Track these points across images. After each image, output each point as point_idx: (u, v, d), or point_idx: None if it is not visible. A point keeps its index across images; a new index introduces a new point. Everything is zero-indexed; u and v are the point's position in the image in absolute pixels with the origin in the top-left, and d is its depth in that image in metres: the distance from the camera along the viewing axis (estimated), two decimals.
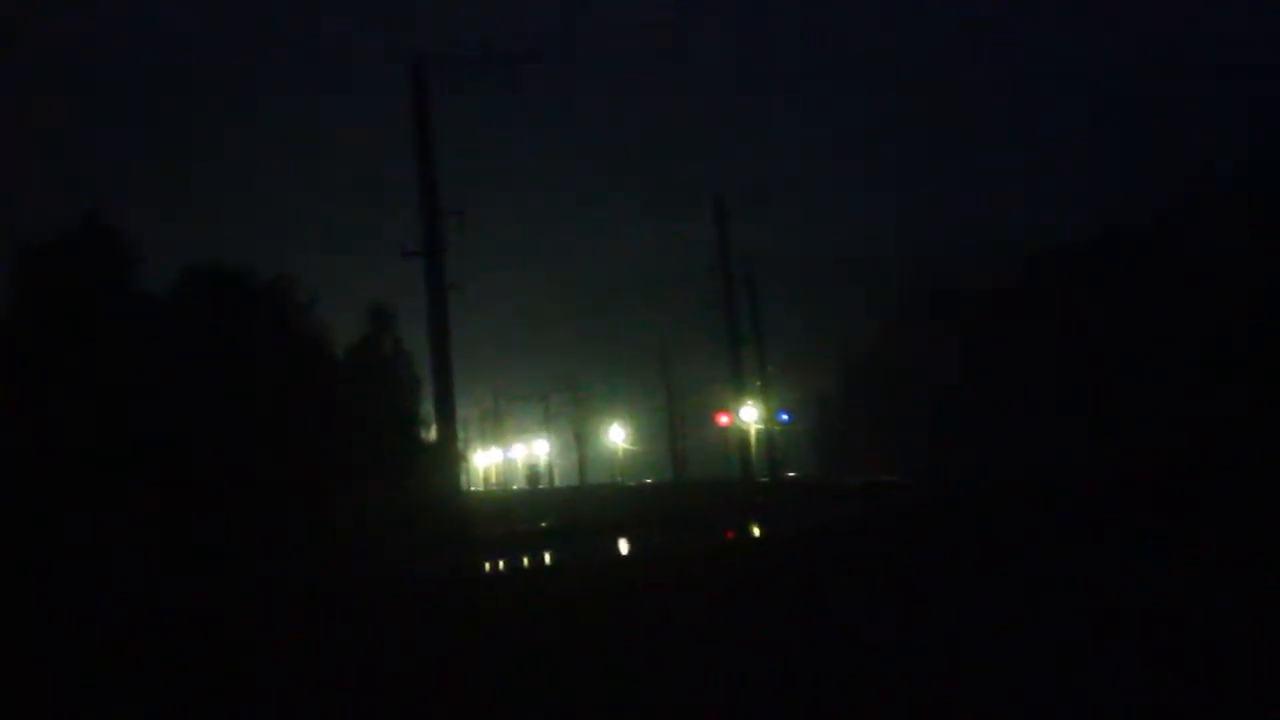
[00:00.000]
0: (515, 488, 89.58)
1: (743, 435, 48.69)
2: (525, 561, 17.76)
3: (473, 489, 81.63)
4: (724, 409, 51.97)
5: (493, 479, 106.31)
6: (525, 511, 32.53)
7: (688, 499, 34.57)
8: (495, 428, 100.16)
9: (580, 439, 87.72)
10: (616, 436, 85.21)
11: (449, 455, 27.54)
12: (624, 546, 19.29)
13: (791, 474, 55.11)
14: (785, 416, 55.36)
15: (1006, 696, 6.10)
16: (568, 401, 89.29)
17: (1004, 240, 58.04)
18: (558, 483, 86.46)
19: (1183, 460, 25.80)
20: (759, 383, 49.86)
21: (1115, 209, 48.65)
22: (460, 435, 34.52)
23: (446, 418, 26.79)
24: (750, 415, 48.85)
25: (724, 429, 56.29)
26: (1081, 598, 8.91)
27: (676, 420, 71.57)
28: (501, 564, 17.65)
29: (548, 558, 18.31)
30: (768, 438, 50.30)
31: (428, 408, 30.69)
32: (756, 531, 21.60)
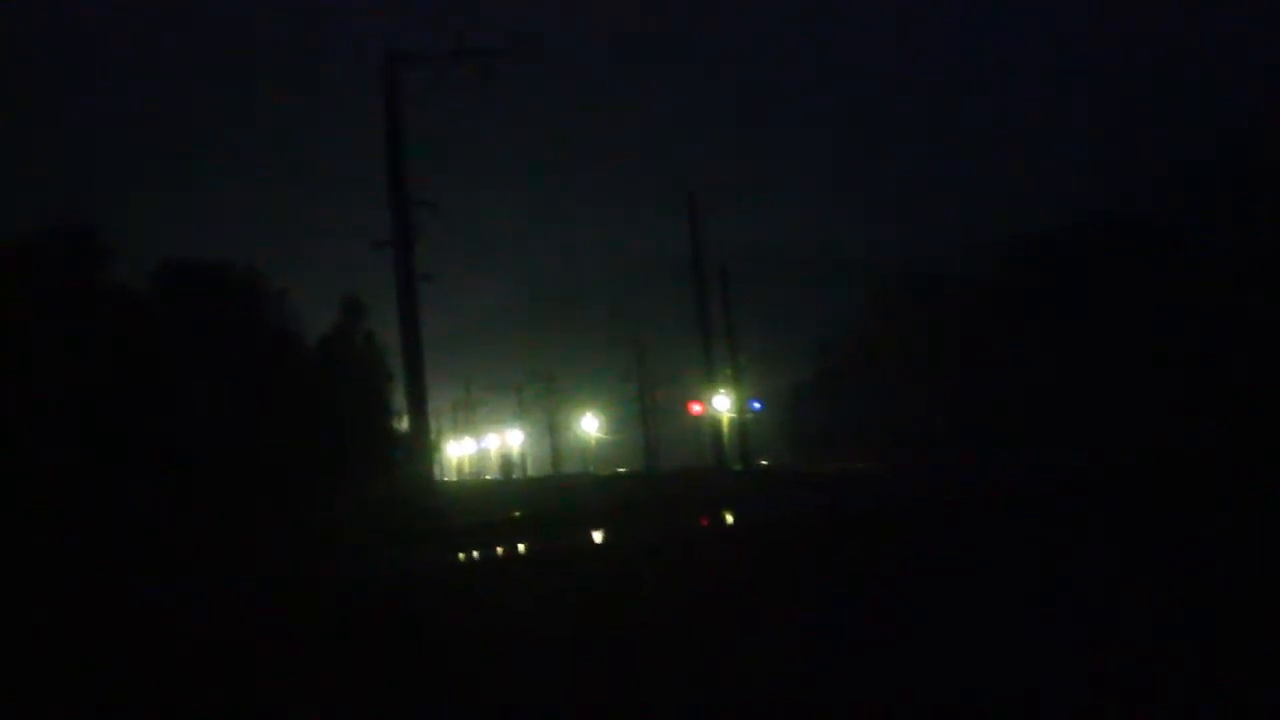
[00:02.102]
0: (488, 478, 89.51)
1: (715, 424, 48.87)
2: (499, 552, 17.84)
3: (445, 479, 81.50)
4: (697, 398, 52.17)
5: (466, 469, 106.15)
6: (498, 502, 32.57)
7: (661, 488, 34.67)
8: (468, 418, 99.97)
9: (554, 429, 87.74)
10: (590, 426, 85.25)
11: (421, 445, 27.54)
12: (598, 536, 19.40)
13: (764, 462, 55.37)
14: (757, 405, 55.64)
15: (985, 693, 6.18)
16: (541, 391, 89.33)
17: (981, 230, 58.52)
18: (531, 472, 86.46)
19: (1169, 456, 25.99)
20: (731, 372, 50.04)
21: (1094, 197, 49.14)
22: (433, 426, 34.50)
23: (418, 408, 26.79)
24: (723, 404, 49.03)
25: (697, 418, 56.48)
26: (1063, 599, 9.04)
27: (650, 409, 71.69)
28: (475, 555, 17.73)
29: (521, 548, 18.39)
30: (740, 426, 50.51)
31: (400, 398, 30.71)
32: (730, 519, 21.75)
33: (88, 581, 14.71)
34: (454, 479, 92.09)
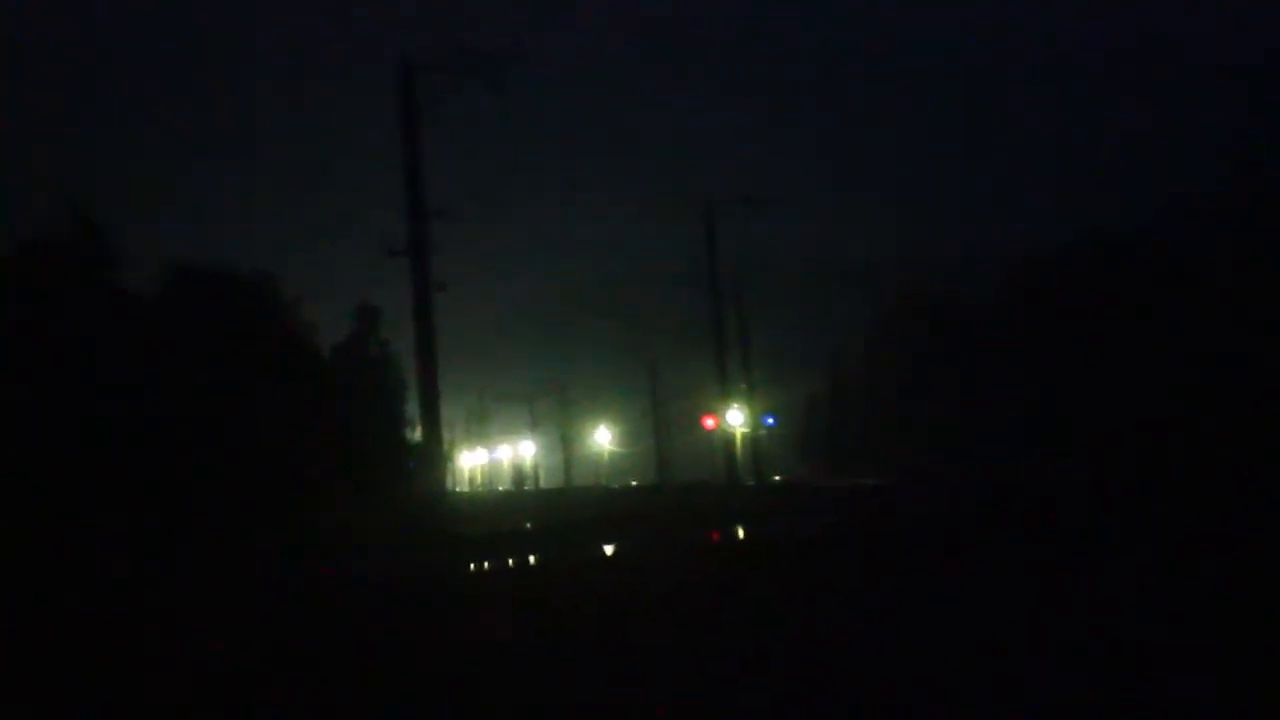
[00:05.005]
0: (500, 489, 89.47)
1: (728, 438, 48.76)
2: (510, 562, 17.75)
3: (458, 489, 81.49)
4: (710, 412, 52.07)
5: (478, 479, 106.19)
6: (510, 513, 32.48)
7: (673, 501, 34.58)
8: (481, 428, 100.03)
9: (566, 440, 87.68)
10: (603, 438, 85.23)
11: (434, 455, 27.51)
12: (608, 548, 19.30)
13: (777, 477, 55.30)
14: (770, 420, 55.59)
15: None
16: (554, 403, 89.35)
17: (991, 247, 58.44)
18: (543, 484, 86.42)
19: (1172, 470, 25.83)
20: (745, 387, 50.00)
21: (1103, 215, 49.08)
22: (445, 435, 34.49)
23: (431, 417, 26.77)
24: (736, 419, 48.95)
25: (710, 432, 56.41)
26: (1071, 615, 8.91)
27: (662, 423, 71.62)
28: (485, 564, 17.64)
29: (532, 559, 18.30)
30: (753, 441, 50.44)
31: (413, 407, 30.71)
32: (741, 534, 21.64)
33: (89, 587, 14.66)
34: (466, 489, 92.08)
